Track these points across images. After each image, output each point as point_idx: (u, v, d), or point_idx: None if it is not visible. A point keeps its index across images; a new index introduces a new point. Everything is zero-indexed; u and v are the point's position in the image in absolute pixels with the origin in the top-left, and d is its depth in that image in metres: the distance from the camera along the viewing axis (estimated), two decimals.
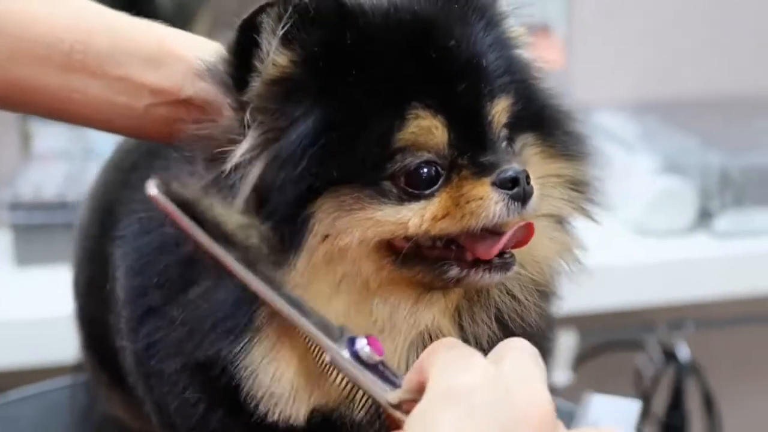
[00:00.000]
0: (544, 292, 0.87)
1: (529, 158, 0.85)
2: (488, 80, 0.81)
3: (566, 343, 2.02)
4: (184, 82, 0.88)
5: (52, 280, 1.66)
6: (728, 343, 2.31)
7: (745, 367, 2.39)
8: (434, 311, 0.83)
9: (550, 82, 0.87)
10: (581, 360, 2.06)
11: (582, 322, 1.94)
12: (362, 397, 0.77)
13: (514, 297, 0.85)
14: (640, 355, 2.13)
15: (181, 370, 0.83)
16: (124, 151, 1.05)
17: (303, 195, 0.76)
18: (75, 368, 1.28)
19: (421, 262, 0.80)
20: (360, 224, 0.78)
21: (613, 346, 2.12)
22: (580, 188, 0.87)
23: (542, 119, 0.86)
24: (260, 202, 0.76)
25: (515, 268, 0.81)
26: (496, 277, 0.81)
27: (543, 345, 0.90)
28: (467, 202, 0.78)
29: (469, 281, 0.80)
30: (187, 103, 0.87)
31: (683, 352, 2.09)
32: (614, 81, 2.29)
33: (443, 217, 0.79)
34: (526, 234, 0.81)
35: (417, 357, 0.80)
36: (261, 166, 0.76)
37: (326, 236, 0.77)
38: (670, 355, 2.08)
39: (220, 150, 0.79)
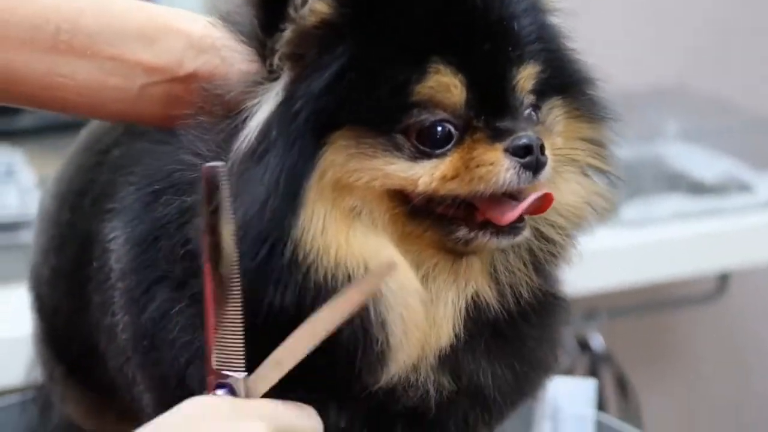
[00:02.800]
0: (574, 236, 0.88)
1: (554, 120, 0.86)
2: (518, 45, 0.81)
3: None
4: (183, 58, 0.86)
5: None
6: (640, 330, 2.37)
7: (656, 352, 2.45)
8: (475, 275, 0.83)
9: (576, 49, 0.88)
10: None
11: None
12: None
13: (547, 239, 0.85)
14: None
15: None
16: (96, 134, 1.03)
17: (320, 127, 0.76)
18: (24, 388, 1.23)
19: (430, 217, 0.80)
20: (369, 173, 0.78)
21: None
22: (599, 148, 0.88)
23: (570, 85, 0.87)
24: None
25: (525, 233, 0.81)
26: (504, 241, 0.81)
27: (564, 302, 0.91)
28: (477, 166, 0.78)
29: (477, 243, 0.81)
30: (185, 80, 0.85)
31: (597, 341, 2.13)
32: None
33: (452, 178, 0.79)
34: (543, 203, 0.81)
35: (465, 327, 0.82)
36: (284, 101, 0.77)
37: (337, 166, 0.77)
38: (584, 346, 2.12)
39: (240, 101, 0.79)
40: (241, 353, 0.77)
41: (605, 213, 0.89)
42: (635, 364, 2.30)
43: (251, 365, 0.81)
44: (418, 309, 0.80)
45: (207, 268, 0.76)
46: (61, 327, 1.06)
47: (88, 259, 0.95)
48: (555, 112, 0.87)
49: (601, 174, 0.89)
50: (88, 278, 0.95)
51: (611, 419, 1.35)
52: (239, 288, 0.76)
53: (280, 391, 0.80)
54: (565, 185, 0.86)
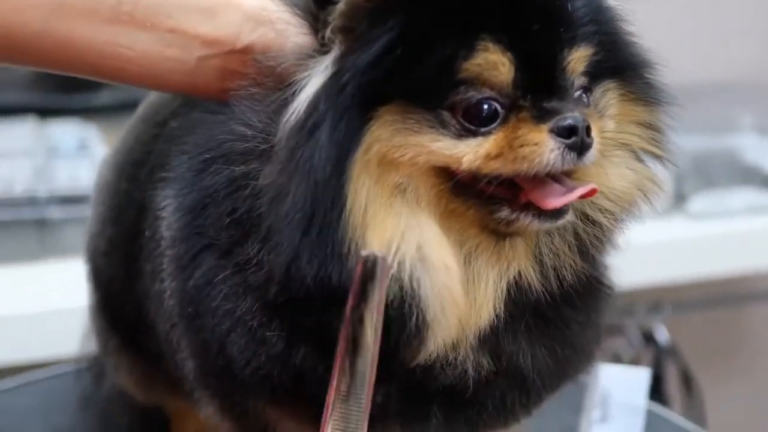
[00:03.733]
0: (622, 220, 0.86)
1: (607, 103, 0.85)
2: (570, 26, 0.80)
3: None
4: (240, 31, 0.87)
5: (21, 277, 1.64)
6: (705, 325, 2.33)
7: (722, 347, 2.41)
8: (518, 256, 0.83)
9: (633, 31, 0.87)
10: None
11: None
12: None
13: (594, 222, 0.84)
14: (619, 339, 2.13)
15: (257, 308, 0.82)
16: (154, 106, 1.04)
17: (367, 101, 0.77)
18: (79, 358, 1.25)
19: (475, 196, 0.80)
20: (414, 149, 0.78)
21: None
22: (653, 132, 0.87)
23: (625, 68, 0.86)
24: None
25: (568, 217, 0.81)
26: (546, 224, 0.80)
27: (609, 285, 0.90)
28: (521, 146, 0.78)
29: (518, 225, 0.80)
30: (242, 53, 0.86)
31: (662, 334, 2.10)
32: None
33: (496, 157, 0.78)
34: (587, 194, 0.80)
35: (506, 307, 0.82)
36: (333, 74, 0.77)
37: (383, 141, 0.78)
38: (648, 338, 2.09)
39: (291, 74, 0.79)
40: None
41: (657, 199, 0.87)
42: (701, 359, 2.27)
43: (290, 340, 0.82)
44: (456, 287, 0.80)
45: (339, 358, 0.75)
46: (115, 297, 1.07)
47: (142, 229, 0.96)
48: (609, 95, 0.86)
49: (655, 159, 0.88)
50: (141, 247, 0.97)
51: (663, 410, 1.33)
52: (369, 387, 0.75)
53: (318, 356, 0.81)
54: (614, 169, 0.85)
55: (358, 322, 0.74)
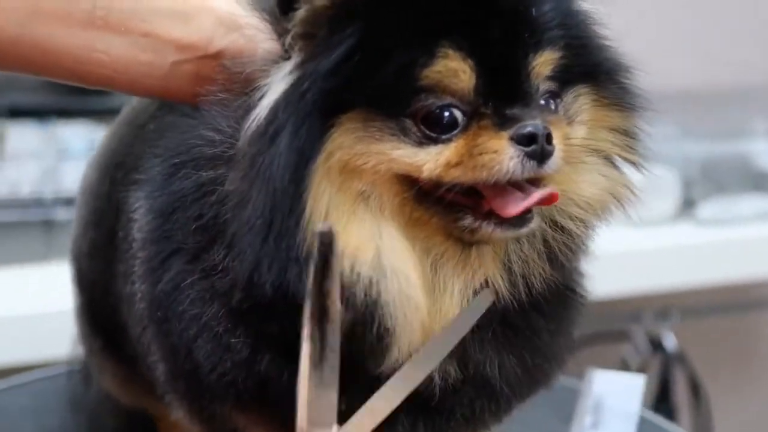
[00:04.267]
0: (593, 227, 0.85)
1: (579, 108, 0.84)
2: (535, 30, 0.79)
3: None
4: (213, 36, 0.87)
5: (28, 278, 1.65)
6: (714, 332, 2.31)
7: (731, 355, 2.39)
8: (485, 264, 0.82)
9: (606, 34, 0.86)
10: None
11: None
12: None
13: (563, 229, 0.83)
14: (627, 345, 2.12)
15: (222, 314, 0.82)
16: (136, 110, 1.05)
17: (328, 108, 0.76)
18: (70, 360, 1.26)
19: (438, 204, 0.79)
20: (376, 156, 0.78)
21: (599, 337, 2.11)
22: (628, 138, 0.86)
23: (597, 72, 0.85)
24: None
25: (532, 225, 0.80)
26: (509, 232, 0.79)
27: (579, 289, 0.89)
28: (480, 154, 0.77)
29: (482, 233, 0.79)
30: (214, 58, 0.87)
31: (670, 341, 2.08)
32: None
33: (456, 165, 0.77)
34: (549, 200, 0.79)
35: (472, 317, 0.81)
36: (293, 80, 0.77)
37: (345, 149, 0.77)
38: (656, 345, 2.08)
39: (255, 79, 0.79)
40: (334, 409, 0.77)
41: (629, 203, 0.86)
42: (709, 366, 2.25)
43: (254, 347, 0.82)
44: (418, 295, 0.79)
45: (308, 328, 0.75)
46: (97, 300, 1.08)
47: (117, 230, 0.96)
48: (581, 101, 0.85)
49: (630, 165, 0.86)
50: (116, 249, 0.97)
51: (657, 417, 1.32)
52: (339, 350, 0.76)
53: (283, 364, 0.81)
54: (585, 176, 0.84)
55: (325, 292, 0.74)
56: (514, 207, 0.77)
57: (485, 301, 0.81)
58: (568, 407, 1.26)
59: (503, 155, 0.76)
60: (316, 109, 0.76)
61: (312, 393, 0.76)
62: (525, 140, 0.76)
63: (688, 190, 1.97)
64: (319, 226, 0.74)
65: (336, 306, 0.75)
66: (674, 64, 2.33)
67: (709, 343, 2.30)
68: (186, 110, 0.88)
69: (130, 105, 1.08)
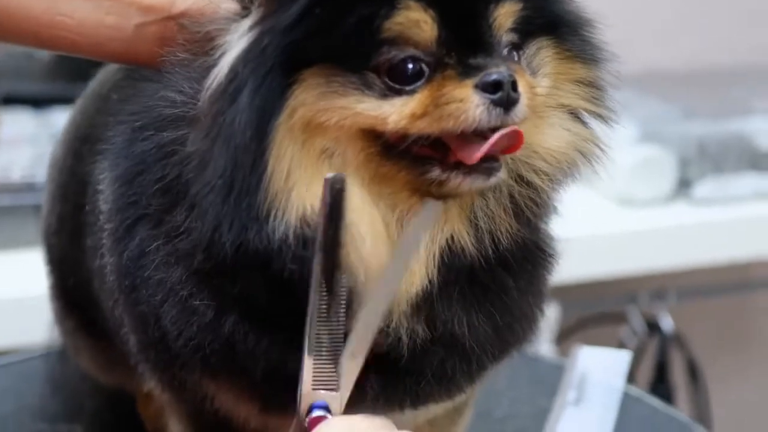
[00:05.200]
0: (559, 182, 0.84)
1: (542, 61, 0.83)
2: None
3: (549, 316, 2.00)
4: None
5: (20, 263, 1.64)
6: (711, 312, 2.30)
7: (728, 335, 2.38)
8: (451, 219, 0.81)
9: None
10: (564, 333, 2.04)
11: (564, 295, 1.91)
12: None
13: (529, 184, 0.83)
14: (623, 327, 2.11)
15: (186, 277, 0.81)
16: (100, 81, 1.04)
17: (289, 64, 0.75)
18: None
19: (405, 157, 0.78)
20: (340, 111, 0.77)
21: (595, 318, 2.10)
22: (593, 90, 0.85)
23: (559, 25, 0.84)
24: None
25: (500, 175, 0.79)
26: (478, 182, 0.78)
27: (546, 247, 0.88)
28: (446, 103, 0.76)
29: (450, 185, 0.78)
30: (179, 18, 0.86)
31: (666, 322, 2.07)
32: None
33: (421, 116, 0.76)
34: (514, 140, 0.78)
35: (439, 272, 0.80)
36: (253, 37, 0.76)
37: (307, 105, 0.76)
38: (653, 326, 2.07)
39: (215, 38, 0.79)
40: (336, 372, 0.77)
41: (597, 159, 0.85)
42: (706, 347, 2.23)
43: (218, 309, 0.81)
44: (383, 253, 0.78)
45: (315, 280, 0.75)
46: (68, 278, 1.07)
47: (84, 204, 0.95)
48: (543, 53, 0.84)
49: (596, 118, 0.85)
50: (84, 224, 0.96)
51: (640, 392, 1.30)
52: (345, 308, 0.76)
53: (248, 326, 0.80)
54: (550, 129, 0.83)
55: (335, 241, 0.74)
56: (479, 150, 0.76)
57: (433, 213, 0.79)
58: (553, 383, 1.25)
59: (469, 103, 0.75)
60: (278, 65, 0.75)
61: (320, 353, 0.76)
62: (490, 87, 0.75)
63: (684, 169, 1.95)
64: (329, 174, 0.74)
65: (345, 255, 0.75)
66: (673, 44, 2.32)
67: (706, 324, 2.29)
68: (151, 76, 0.87)
69: (96, 78, 1.07)
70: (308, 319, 0.76)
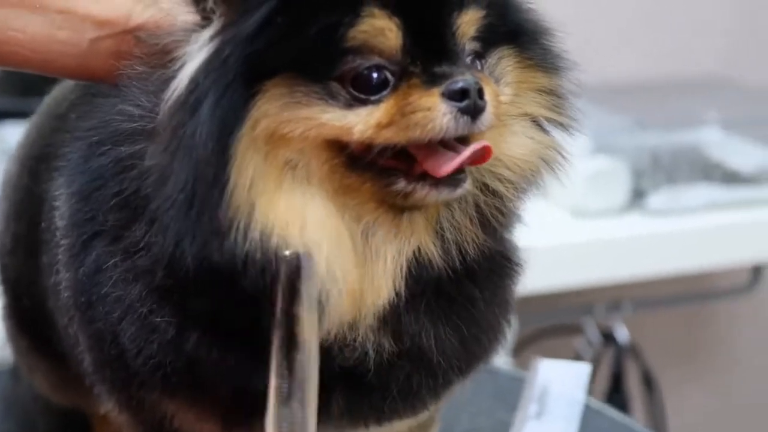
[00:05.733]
0: (524, 190, 0.84)
1: (504, 70, 0.83)
2: None
3: None
4: (131, 11, 0.85)
5: None
6: (665, 323, 2.31)
7: (685, 347, 2.40)
8: (417, 230, 0.80)
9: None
10: (520, 345, 2.04)
11: (519, 306, 1.90)
12: None
13: (494, 193, 0.82)
14: (579, 338, 2.11)
15: (146, 294, 0.80)
16: (56, 99, 1.02)
17: (252, 74, 0.74)
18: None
19: (370, 169, 0.77)
20: (304, 122, 0.75)
21: (551, 330, 2.10)
22: (554, 98, 0.85)
23: (520, 33, 0.84)
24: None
25: (466, 186, 0.78)
26: (444, 193, 0.77)
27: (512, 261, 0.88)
28: (413, 112, 0.75)
29: (416, 196, 0.77)
30: (135, 32, 0.84)
31: (622, 333, 2.08)
32: None
33: (388, 125, 0.75)
34: (483, 154, 0.77)
35: (406, 285, 0.79)
36: (214, 47, 0.75)
37: (271, 116, 0.75)
38: (608, 338, 2.07)
39: (174, 49, 0.77)
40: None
41: (559, 167, 0.85)
42: (662, 358, 2.25)
43: (180, 326, 0.79)
44: (348, 265, 0.77)
45: (275, 360, 0.73)
46: (22, 297, 1.05)
47: (40, 222, 0.93)
48: (504, 62, 0.83)
49: (558, 126, 0.85)
50: (40, 242, 0.94)
51: (601, 404, 1.31)
52: (316, 384, 0.74)
53: (212, 342, 0.79)
54: (513, 137, 0.83)
55: (293, 320, 0.72)
56: (448, 164, 0.76)
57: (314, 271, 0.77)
58: (514, 396, 1.24)
59: (436, 112, 0.74)
60: (239, 76, 0.74)
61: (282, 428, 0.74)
62: (457, 95, 0.74)
63: (638, 180, 1.97)
64: (288, 252, 0.73)
65: (307, 334, 0.72)
66: (624, 56, 2.33)
67: (660, 334, 2.30)
68: (108, 91, 0.85)
69: (51, 95, 1.05)
70: (269, 401, 0.74)
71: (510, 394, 1.25)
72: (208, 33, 0.76)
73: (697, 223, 1.96)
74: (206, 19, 0.77)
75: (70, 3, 0.85)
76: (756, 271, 2.22)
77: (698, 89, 2.32)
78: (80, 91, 0.95)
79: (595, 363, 2.08)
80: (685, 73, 2.37)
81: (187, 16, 0.79)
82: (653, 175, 1.98)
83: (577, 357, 2.12)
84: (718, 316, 2.42)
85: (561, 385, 1.25)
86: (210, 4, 0.76)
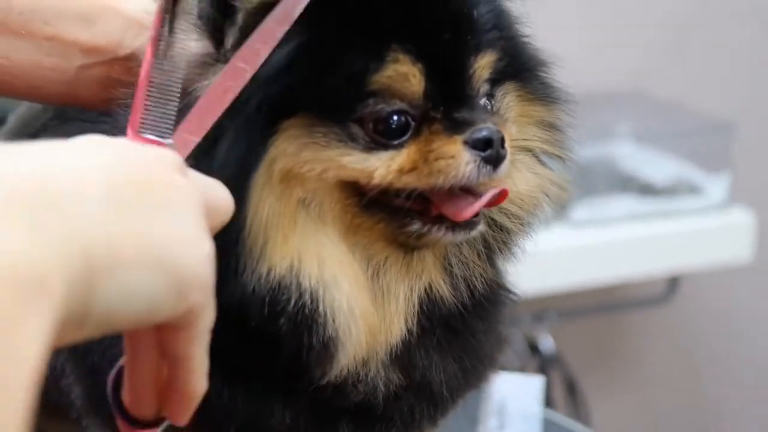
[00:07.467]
0: (529, 224, 0.85)
1: (507, 106, 0.84)
2: (476, 33, 0.78)
3: None
4: (122, 38, 0.83)
5: None
6: (590, 333, 2.35)
7: (606, 354, 2.44)
8: (428, 268, 0.80)
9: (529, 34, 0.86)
10: None
11: None
12: None
13: (501, 228, 0.83)
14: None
15: None
16: (25, 119, 0.99)
17: (271, 114, 0.73)
18: None
19: (384, 209, 0.77)
20: (323, 163, 0.75)
21: None
22: (554, 131, 0.86)
23: (524, 70, 0.84)
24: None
25: (480, 228, 0.79)
26: (459, 236, 0.78)
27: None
28: (436, 159, 0.75)
29: (430, 238, 0.78)
30: (126, 60, 0.83)
31: (546, 344, 2.11)
32: None
33: (410, 170, 0.75)
34: (499, 197, 0.78)
35: (418, 322, 0.79)
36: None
37: (288, 156, 0.74)
38: (533, 348, 2.10)
39: (188, 82, 0.75)
40: (171, 119, 0.73)
41: (560, 200, 0.87)
42: (585, 366, 2.29)
43: None
44: (362, 303, 0.77)
45: (157, 18, 0.72)
46: None
47: None
48: (508, 98, 0.84)
49: (556, 160, 0.87)
50: None
51: (559, 416, 1.33)
52: (182, 49, 0.73)
53: (222, 380, 0.77)
54: (518, 173, 0.83)
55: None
56: (468, 210, 0.76)
57: None
58: (473, 409, 1.25)
59: (460, 160, 0.75)
60: (259, 116, 0.73)
61: (151, 92, 0.72)
62: (481, 145, 0.75)
63: None
64: None
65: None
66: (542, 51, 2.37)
67: (583, 343, 2.34)
68: (92, 117, 0.84)
69: (17, 114, 1.01)
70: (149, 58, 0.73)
71: (468, 408, 1.26)
72: (222, 69, 0.75)
73: (618, 235, 2.01)
74: (225, 56, 0.75)
75: (58, 29, 0.83)
76: (672, 281, 2.29)
77: (611, 102, 2.37)
78: (52, 113, 0.93)
79: (521, 372, 2.11)
80: (597, 86, 2.42)
81: (192, 43, 0.77)
82: (575, 187, 2.01)
83: (503, 368, 2.14)
84: (637, 325, 2.48)
85: (516, 399, 1.27)
86: (230, 41, 0.75)
